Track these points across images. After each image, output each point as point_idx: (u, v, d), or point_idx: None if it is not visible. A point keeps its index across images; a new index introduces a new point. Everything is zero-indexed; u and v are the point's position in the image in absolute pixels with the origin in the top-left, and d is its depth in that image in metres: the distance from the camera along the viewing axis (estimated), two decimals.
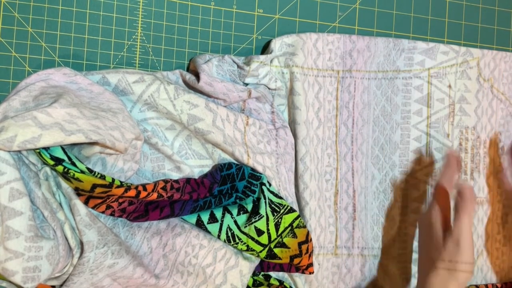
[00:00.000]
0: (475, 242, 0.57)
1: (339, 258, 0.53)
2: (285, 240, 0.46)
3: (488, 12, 0.60)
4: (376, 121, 0.55)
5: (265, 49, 0.51)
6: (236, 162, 0.46)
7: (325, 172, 0.52)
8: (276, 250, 0.45)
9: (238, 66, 0.48)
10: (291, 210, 0.46)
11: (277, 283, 0.50)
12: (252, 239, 0.44)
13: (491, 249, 0.58)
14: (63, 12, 0.45)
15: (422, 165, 0.55)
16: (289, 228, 0.46)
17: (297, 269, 0.48)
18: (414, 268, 0.55)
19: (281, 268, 0.49)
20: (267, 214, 0.45)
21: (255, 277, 0.49)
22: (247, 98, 0.47)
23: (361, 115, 0.54)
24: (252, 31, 0.51)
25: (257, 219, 0.44)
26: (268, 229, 0.44)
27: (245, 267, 0.47)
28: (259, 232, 0.44)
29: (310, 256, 0.47)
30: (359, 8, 0.55)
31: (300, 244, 0.46)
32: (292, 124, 0.50)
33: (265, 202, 0.45)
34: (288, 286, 0.50)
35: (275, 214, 0.45)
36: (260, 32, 0.51)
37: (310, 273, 0.48)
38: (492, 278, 0.58)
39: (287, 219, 0.45)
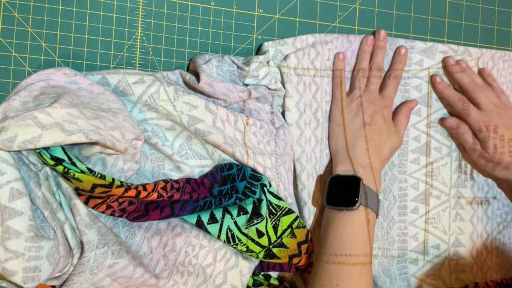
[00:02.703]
0: (475, 242, 0.57)
1: None
2: (284, 240, 0.46)
3: (488, 12, 0.60)
4: None
5: (258, 49, 0.51)
6: (236, 163, 0.46)
7: (324, 172, 0.52)
8: (275, 250, 0.45)
9: (238, 67, 0.48)
10: (289, 212, 0.46)
11: (277, 283, 0.50)
12: (252, 240, 0.44)
13: (491, 248, 0.58)
14: (63, 12, 0.45)
15: (421, 165, 0.55)
16: (289, 230, 0.46)
17: (297, 269, 0.48)
18: (414, 268, 0.55)
19: (281, 268, 0.49)
20: (266, 216, 0.45)
21: (255, 277, 0.49)
22: (247, 98, 0.47)
23: None
24: (252, 31, 0.51)
25: (259, 220, 0.44)
26: (267, 231, 0.44)
27: (245, 267, 0.47)
28: (260, 234, 0.44)
29: (310, 256, 0.47)
30: (359, 8, 0.55)
31: (299, 244, 0.46)
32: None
33: (266, 204, 0.45)
34: (288, 286, 0.50)
35: (272, 216, 0.45)
36: (260, 32, 0.51)
37: (309, 273, 0.48)
38: (492, 277, 0.58)
39: (285, 221, 0.46)
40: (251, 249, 0.44)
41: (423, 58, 0.55)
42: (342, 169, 0.49)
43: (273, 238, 0.45)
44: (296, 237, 0.46)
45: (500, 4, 0.60)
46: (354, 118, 0.51)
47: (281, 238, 0.45)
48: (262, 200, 0.45)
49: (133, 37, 0.47)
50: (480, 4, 0.59)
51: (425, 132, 0.56)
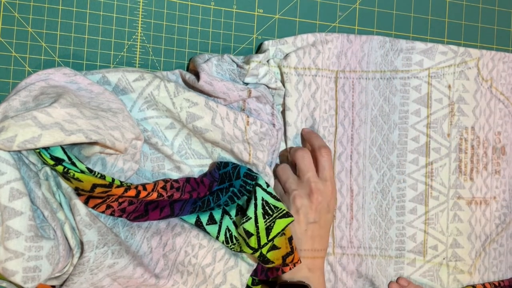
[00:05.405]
0: (473, 243, 0.58)
1: (333, 257, 0.53)
2: (275, 242, 0.44)
3: (488, 12, 0.60)
4: (374, 121, 0.55)
5: (258, 49, 0.52)
6: (232, 162, 0.46)
7: None
8: (268, 255, 0.44)
9: (238, 65, 0.48)
10: (287, 215, 0.43)
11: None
12: (244, 240, 0.43)
13: (489, 250, 0.58)
14: (63, 12, 0.45)
15: (420, 165, 0.56)
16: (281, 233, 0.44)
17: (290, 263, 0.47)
18: (411, 269, 0.55)
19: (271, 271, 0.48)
20: (256, 216, 0.43)
21: (254, 276, 0.49)
22: (247, 97, 0.47)
23: (358, 115, 0.54)
24: (252, 31, 0.51)
25: (244, 220, 0.43)
26: (258, 232, 0.43)
27: (244, 267, 0.47)
28: (248, 234, 0.42)
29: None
30: (359, 8, 0.55)
31: (290, 240, 0.44)
32: (285, 124, 0.51)
33: (255, 203, 0.43)
34: None
35: (267, 217, 0.43)
36: (260, 32, 0.51)
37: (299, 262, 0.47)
38: (490, 279, 0.58)
39: (281, 224, 0.43)
40: (242, 250, 0.43)
41: (423, 58, 0.55)
42: (288, 276, 0.47)
43: (264, 240, 0.43)
44: (284, 235, 0.44)
45: (500, 4, 0.60)
46: (296, 215, 0.47)
47: (273, 241, 0.44)
48: (250, 199, 0.44)
49: (133, 37, 0.47)
50: (480, 4, 0.59)
51: (425, 132, 0.56)
